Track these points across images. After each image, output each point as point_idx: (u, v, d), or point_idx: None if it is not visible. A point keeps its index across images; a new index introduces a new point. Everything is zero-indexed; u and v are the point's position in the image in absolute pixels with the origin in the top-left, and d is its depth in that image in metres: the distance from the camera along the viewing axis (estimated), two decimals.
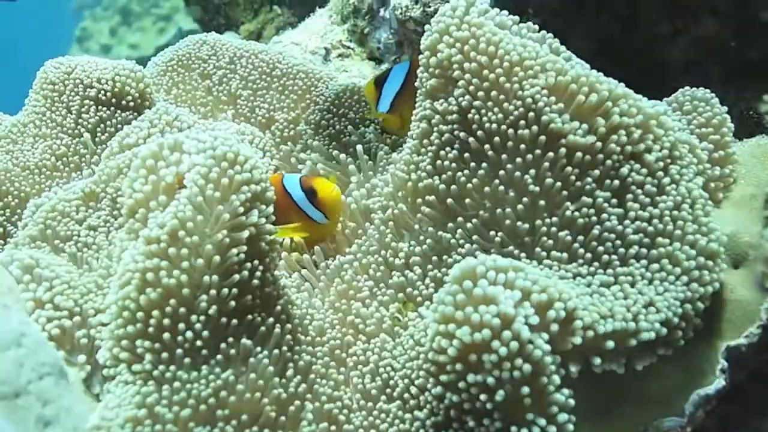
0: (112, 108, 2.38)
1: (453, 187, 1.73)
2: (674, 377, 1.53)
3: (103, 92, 2.36)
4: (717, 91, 1.90)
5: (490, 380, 1.34)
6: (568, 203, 1.60)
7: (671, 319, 1.44)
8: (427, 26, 1.77)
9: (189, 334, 1.47)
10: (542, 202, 1.63)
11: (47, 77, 2.41)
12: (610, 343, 1.42)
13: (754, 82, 2.27)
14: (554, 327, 1.39)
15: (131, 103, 2.38)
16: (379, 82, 2.27)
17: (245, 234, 1.50)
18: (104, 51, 13.83)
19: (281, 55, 2.61)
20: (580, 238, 1.59)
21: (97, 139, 2.38)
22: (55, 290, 1.65)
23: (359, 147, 2.24)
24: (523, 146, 1.63)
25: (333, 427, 1.57)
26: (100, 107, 2.38)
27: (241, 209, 1.50)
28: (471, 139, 1.69)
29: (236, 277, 1.51)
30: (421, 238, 1.77)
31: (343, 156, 2.32)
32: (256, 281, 1.56)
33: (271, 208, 1.57)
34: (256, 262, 1.56)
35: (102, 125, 2.38)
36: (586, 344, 1.42)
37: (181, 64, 2.70)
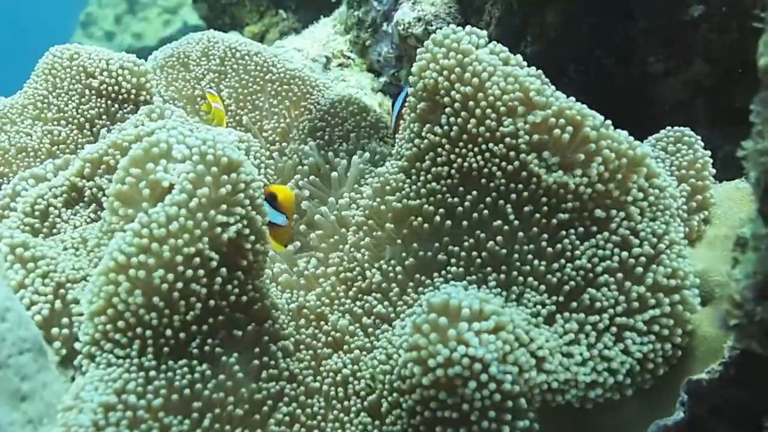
0: (113, 99, 2.41)
1: (441, 210, 1.77)
2: (634, 408, 1.58)
3: (105, 83, 2.39)
4: (704, 132, 1.96)
5: (464, 406, 1.43)
6: (545, 235, 1.66)
7: (634, 370, 1.53)
8: (418, 50, 1.80)
9: (168, 331, 1.51)
10: (521, 234, 1.68)
11: (51, 62, 2.43)
12: (572, 392, 1.52)
13: (741, 126, 2.30)
14: (522, 364, 1.48)
15: (132, 97, 2.41)
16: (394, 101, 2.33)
17: (225, 238, 1.53)
18: (108, 38, 13.82)
19: (276, 59, 2.63)
20: (556, 272, 1.64)
21: (95, 129, 2.40)
22: (39, 272, 1.67)
23: (355, 158, 2.28)
24: (503, 180, 1.69)
25: (303, 430, 1.61)
26: (101, 97, 2.40)
27: (223, 218, 1.52)
28: (458, 165, 1.74)
29: (218, 279, 1.55)
30: (404, 254, 1.81)
31: (336, 160, 2.35)
32: (237, 284, 1.60)
33: (257, 215, 1.59)
34: (239, 269, 1.60)
35: (102, 117, 2.41)
36: (550, 387, 1.52)
37: (179, 61, 2.73)
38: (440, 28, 1.96)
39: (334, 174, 2.26)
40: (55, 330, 1.61)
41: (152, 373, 1.48)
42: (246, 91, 2.63)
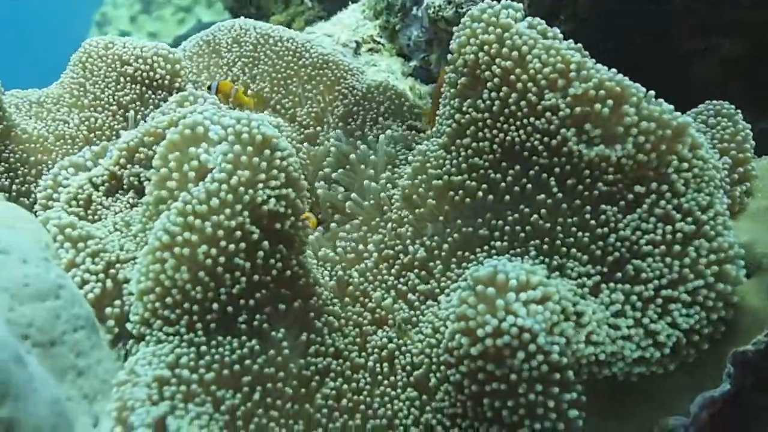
0: (147, 86, 2.43)
1: (483, 185, 1.78)
2: (681, 379, 1.58)
3: (140, 70, 2.42)
4: (739, 109, 1.96)
5: (512, 376, 1.43)
6: (588, 207, 1.66)
7: (680, 342, 1.53)
8: (456, 28, 1.81)
9: (215, 306, 1.52)
10: (564, 206, 1.69)
11: (87, 51, 2.46)
12: (619, 364, 1.53)
13: None
14: (569, 335, 1.49)
15: (165, 83, 2.44)
16: None
17: (264, 210, 1.55)
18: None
19: (309, 44, 2.64)
20: (600, 243, 1.65)
21: (129, 115, 2.42)
22: (89, 251, 1.69)
23: (382, 138, 2.29)
24: (545, 154, 1.69)
25: (349, 405, 1.63)
26: (135, 84, 2.43)
27: (262, 192, 1.54)
28: (500, 139, 1.75)
29: (260, 253, 1.56)
30: (447, 230, 1.82)
31: (364, 147, 2.36)
32: (280, 258, 1.61)
33: (293, 192, 1.60)
34: (280, 242, 1.61)
35: (137, 102, 2.43)
36: (597, 359, 1.53)
37: (211, 48, 2.75)
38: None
39: (371, 158, 2.26)
40: (107, 309, 1.62)
41: (203, 348, 1.49)
42: (279, 76, 2.64)
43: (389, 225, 1.93)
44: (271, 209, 1.55)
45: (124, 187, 2.01)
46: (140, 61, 2.41)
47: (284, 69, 2.64)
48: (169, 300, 1.50)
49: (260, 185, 1.54)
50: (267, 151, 1.56)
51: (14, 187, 2.23)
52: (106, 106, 2.43)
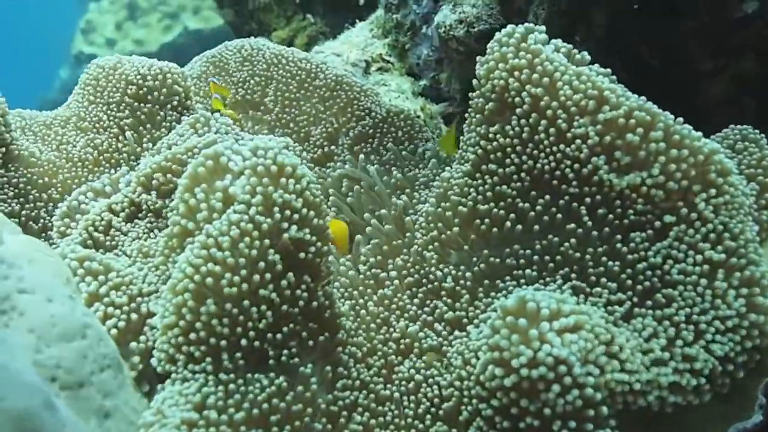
0: (155, 107, 2.40)
1: (511, 214, 1.76)
2: (713, 409, 1.55)
3: (148, 90, 2.38)
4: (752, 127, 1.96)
5: (545, 411, 1.40)
6: (618, 236, 1.65)
7: (716, 371, 1.51)
8: (481, 58, 1.79)
9: (243, 341, 1.49)
10: (594, 233, 1.67)
11: (95, 72, 2.43)
12: (654, 393, 1.51)
13: None
14: (603, 365, 1.47)
15: (174, 104, 2.40)
16: None
17: (286, 238, 1.53)
18: (109, 45, 13.85)
19: (324, 65, 2.64)
20: (629, 271, 1.63)
21: (138, 137, 2.39)
22: (111, 284, 1.66)
23: (372, 169, 2.26)
24: (575, 183, 1.68)
25: None
26: (144, 105, 2.39)
27: (287, 225, 1.52)
28: (528, 167, 1.73)
29: (284, 283, 1.53)
30: (474, 259, 1.80)
31: (373, 169, 2.33)
32: (306, 289, 1.58)
33: (320, 222, 1.59)
34: (306, 276, 1.58)
35: (146, 124, 2.40)
36: (632, 388, 1.50)
37: (218, 67, 2.73)
38: (482, 30, 1.95)
39: (376, 188, 2.24)
40: (132, 344, 1.59)
41: (231, 386, 1.46)
42: (292, 96, 2.63)
43: (412, 250, 1.90)
44: (293, 237, 1.53)
45: (141, 213, 1.98)
46: (148, 81, 2.37)
47: (297, 89, 2.62)
48: (193, 336, 1.47)
49: (281, 212, 1.51)
50: (283, 180, 1.53)
51: (24, 212, 2.19)
52: (114, 128, 2.40)
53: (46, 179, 2.27)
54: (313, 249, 1.57)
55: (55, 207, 2.21)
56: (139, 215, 1.96)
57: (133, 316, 1.63)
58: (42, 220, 2.22)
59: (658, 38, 2.38)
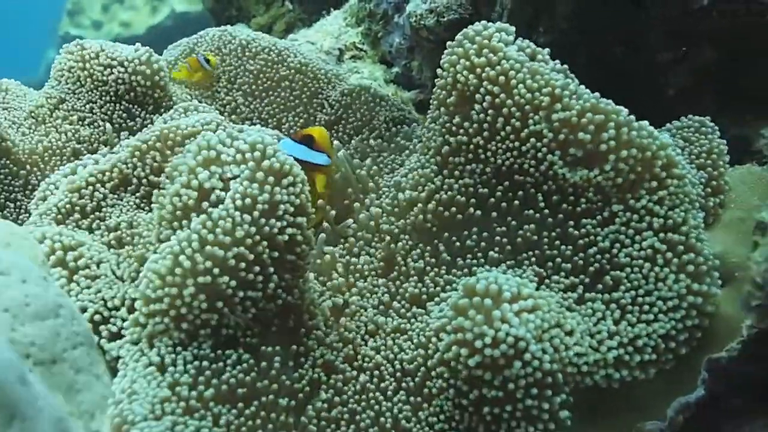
0: (131, 96, 2.43)
1: (472, 200, 1.85)
2: (658, 385, 1.65)
3: (122, 80, 2.41)
4: (712, 117, 2.05)
5: (509, 385, 1.51)
6: (571, 222, 1.76)
7: (658, 348, 1.62)
8: (449, 43, 1.86)
9: (219, 327, 1.57)
10: (550, 220, 1.77)
11: (68, 60, 2.45)
12: (601, 372, 1.62)
13: (748, 107, 2.37)
14: (556, 345, 1.58)
15: (150, 92, 2.44)
16: None
17: (279, 240, 1.58)
18: (95, 27, 13.71)
19: (289, 51, 2.67)
20: (581, 254, 1.74)
21: (115, 125, 2.43)
22: (85, 271, 1.73)
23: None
24: (532, 174, 1.79)
25: (340, 415, 1.67)
26: (118, 94, 2.43)
27: (278, 223, 1.57)
28: (486, 158, 1.83)
29: (272, 285, 1.60)
30: (436, 242, 1.88)
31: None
32: (283, 284, 1.64)
33: (304, 219, 1.63)
34: (287, 273, 1.64)
35: (122, 113, 2.44)
36: (580, 369, 1.62)
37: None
38: (451, 20, 2.01)
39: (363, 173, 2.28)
40: (103, 326, 1.66)
41: (203, 363, 1.53)
42: (263, 86, 2.67)
43: (384, 238, 1.97)
44: (287, 239, 1.59)
45: (132, 187, 2.00)
46: (122, 69, 2.40)
47: (266, 78, 2.67)
48: (169, 318, 1.53)
49: (273, 216, 1.57)
50: (284, 180, 1.59)
51: (4, 201, 2.25)
52: (91, 116, 2.43)
53: (28, 168, 2.33)
54: (299, 249, 1.63)
55: (33, 191, 2.24)
56: (127, 188, 2.00)
57: (105, 300, 1.69)
58: (20, 204, 2.28)
59: (622, 28, 2.43)
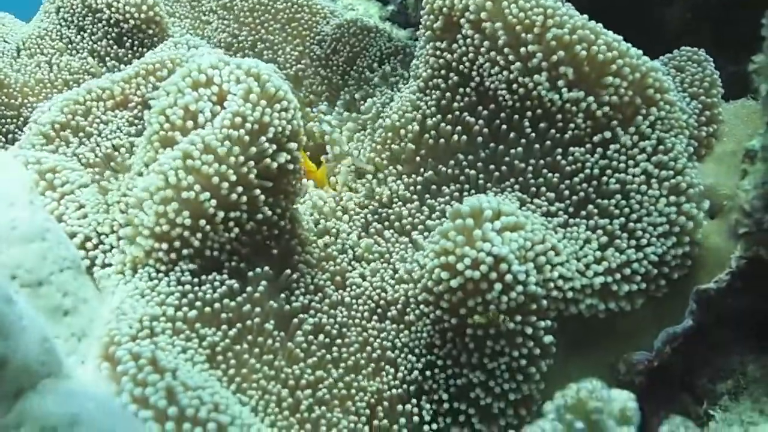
0: (123, 30, 2.41)
1: (457, 126, 1.83)
2: (645, 316, 1.65)
3: (115, 15, 2.39)
4: (709, 54, 2.00)
5: (491, 308, 1.50)
6: (559, 149, 1.73)
7: (650, 273, 1.61)
8: None
9: (207, 251, 1.57)
10: (536, 146, 1.75)
11: None
12: (586, 300, 1.61)
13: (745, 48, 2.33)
14: (540, 264, 1.57)
15: (143, 27, 2.41)
16: None
17: (271, 165, 1.57)
18: None
19: None
20: (567, 182, 1.72)
21: (107, 59, 2.42)
22: (71, 196, 1.72)
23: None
24: (518, 98, 1.76)
25: (327, 340, 1.68)
26: (111, 28, 2.41)
27: (269, 146, 1.56)
28: (474, 83, 1.80)
29: (265, 209, 1.61)
30: (422, 169, 1.87)
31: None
32: (272, 209, 1.64)
33: (295, 145, 1.62)
34: (280, 196, 1.64)
35: (114, 47, 2.42)
36: (565, 295, 1.60)
37: None
38: None
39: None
40: (92, 250, 1.66)
41: (188, 287, 1.53)
42: (258, 20, 2.64)
43: (367, 170, 1.97)
44: (280, 164, 1.58)
45: (129, 105, 1.99)
46: (114, 6, 2.38)
47: (263, 11, 2.64)
48: (159, 240, 1.53)
49: (266, 139, 1.56)
50: (277, 105, 1.57)
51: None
52: (83, 50, 2.42)
53: (20, 100, 2.32)
54: (289, 173, 1.63)
55: (25, 124, 2.22)
56: (121, 109, 1.99)
57: (93, 224, 1.69)
58: (13, 136, 2.27)
59: None
